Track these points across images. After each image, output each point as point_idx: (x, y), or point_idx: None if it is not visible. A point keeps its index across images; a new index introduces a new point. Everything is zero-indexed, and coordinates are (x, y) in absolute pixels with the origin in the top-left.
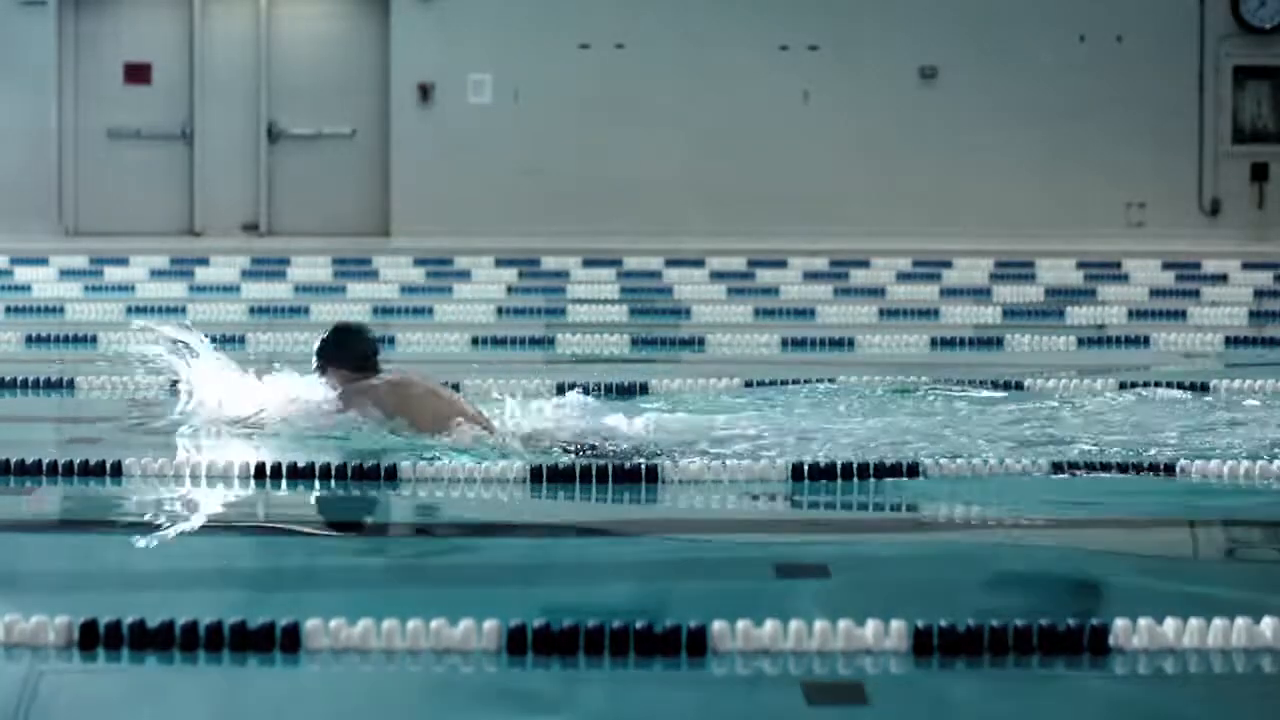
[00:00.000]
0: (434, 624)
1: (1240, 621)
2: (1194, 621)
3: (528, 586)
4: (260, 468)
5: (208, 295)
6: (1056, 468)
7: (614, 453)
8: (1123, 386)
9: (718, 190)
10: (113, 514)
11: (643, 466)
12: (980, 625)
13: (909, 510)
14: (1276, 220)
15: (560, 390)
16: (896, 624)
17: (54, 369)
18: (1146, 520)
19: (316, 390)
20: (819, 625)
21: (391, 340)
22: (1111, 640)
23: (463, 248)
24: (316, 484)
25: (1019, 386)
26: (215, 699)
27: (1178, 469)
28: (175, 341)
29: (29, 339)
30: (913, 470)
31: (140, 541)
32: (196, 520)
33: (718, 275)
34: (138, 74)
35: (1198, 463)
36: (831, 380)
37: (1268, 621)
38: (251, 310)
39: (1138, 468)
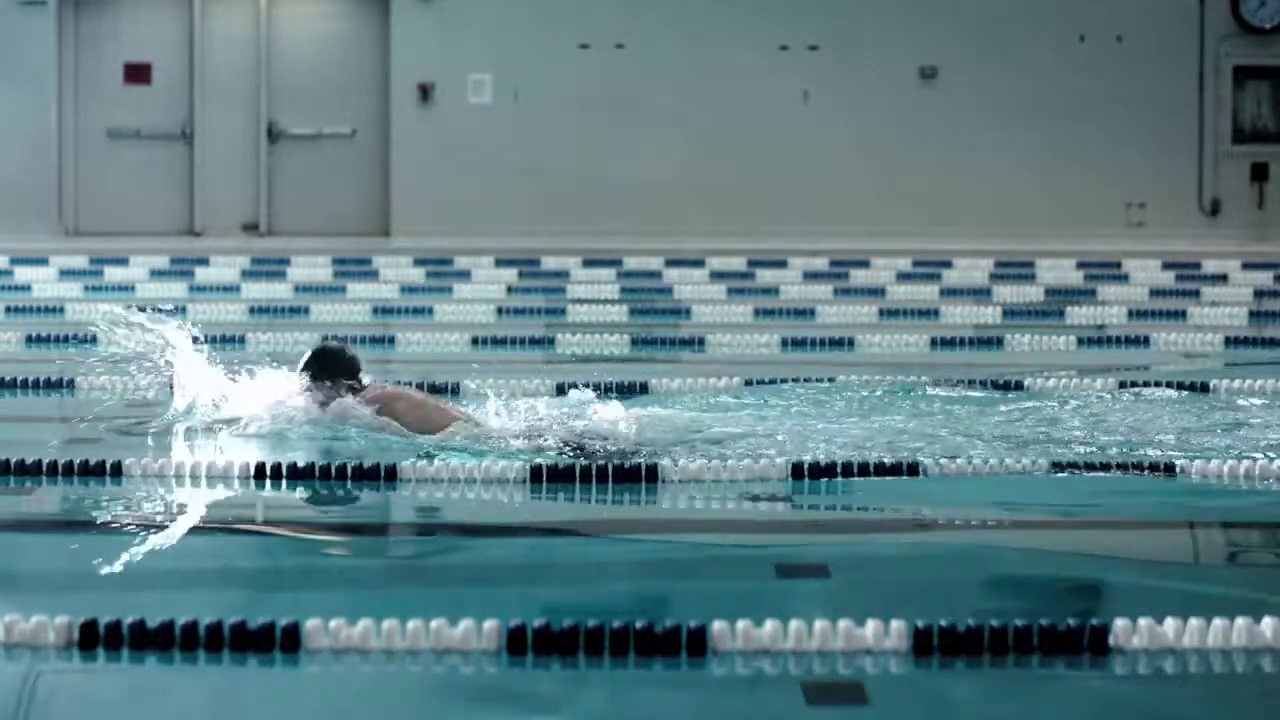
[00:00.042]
0: (434, 624)
1: (1240, 621)
2: (1194, 621)
3: (528, 586)
4: (260, 468)
5: (208, 295)
6: (1056, 468)
7: (611, 451)
8: (1122, 386)
9: (718, 190)
10: (113, 514)
11: (643, 466)
12: (980, 625)
13: (909, 510)
14: (1276, 220)
15: (560, 390)
16: (896, 624)
17: (54, 369)
18: (1146, 520)
19: (300, 399)
20: (819, 625)
21: (391, 340)
22: (1111, 640)
23: (463, 248)
24: (316, 484)
25: (1019, 386)
26: (215, 699)
27: (1177, 469)
28: (148, 329)
29: (29, 339)
30: (913, 470)
31: (140, 541)
32: (196, 520)
33: (718, 275)
34: (138, 74)
35: (1197, 463)
36: (831, 380)
37: (1268, 621)
38: (251, 310)
39: (1138, 468)
